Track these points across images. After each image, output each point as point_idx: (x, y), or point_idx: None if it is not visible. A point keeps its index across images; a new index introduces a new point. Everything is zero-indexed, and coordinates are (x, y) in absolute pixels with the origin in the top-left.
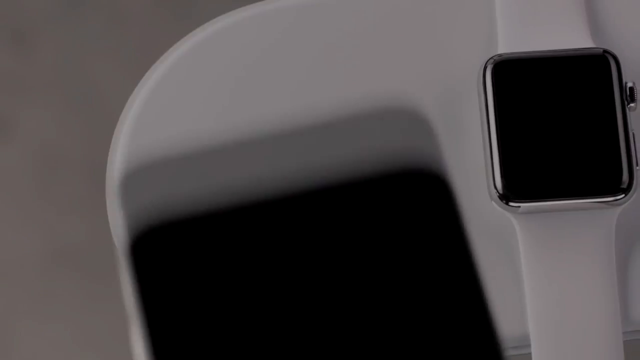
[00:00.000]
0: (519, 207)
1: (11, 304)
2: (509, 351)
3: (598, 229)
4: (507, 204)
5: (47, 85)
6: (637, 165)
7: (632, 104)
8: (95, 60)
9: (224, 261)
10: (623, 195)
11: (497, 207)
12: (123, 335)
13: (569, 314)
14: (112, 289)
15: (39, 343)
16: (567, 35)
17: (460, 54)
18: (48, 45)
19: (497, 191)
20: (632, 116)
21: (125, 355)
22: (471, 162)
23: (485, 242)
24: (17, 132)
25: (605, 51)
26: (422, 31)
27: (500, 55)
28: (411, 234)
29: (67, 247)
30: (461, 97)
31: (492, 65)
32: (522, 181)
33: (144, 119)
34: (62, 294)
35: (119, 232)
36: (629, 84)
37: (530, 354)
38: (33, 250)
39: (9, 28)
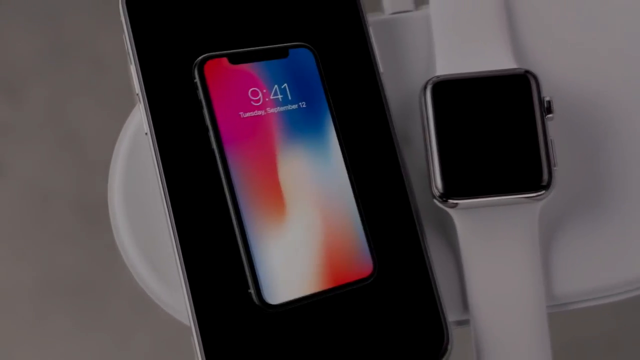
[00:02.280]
0: (457, 203)
1: (4, 334)
2: (452, 326)
3: (524, 220)
4: (446, 201)
5: (37, 129)
6: (555, 166)
7: (549, 115)
8: (80, 105)
9: None
10: (544, 191)
11: (438, 204)
12: None
13: (501, 291)
14: (101, 317)
15: None
16: (494, 57)
17: (404, 76)
18: (36, 94)
19: (438, 191)
20: (550, 125)
21: None
22: (415, 168)
23: (430, 235)
24: (10, 172)
25: (526, 71)
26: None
27: (437, 76)
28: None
29: (56, 278)
30: (405, 113)
31: (431, 85)
32: (458, 182)
33: (138, 139)
34: (54, 322)
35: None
36: (547, 99)
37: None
38: (24, 281)
39: (0, 81)
